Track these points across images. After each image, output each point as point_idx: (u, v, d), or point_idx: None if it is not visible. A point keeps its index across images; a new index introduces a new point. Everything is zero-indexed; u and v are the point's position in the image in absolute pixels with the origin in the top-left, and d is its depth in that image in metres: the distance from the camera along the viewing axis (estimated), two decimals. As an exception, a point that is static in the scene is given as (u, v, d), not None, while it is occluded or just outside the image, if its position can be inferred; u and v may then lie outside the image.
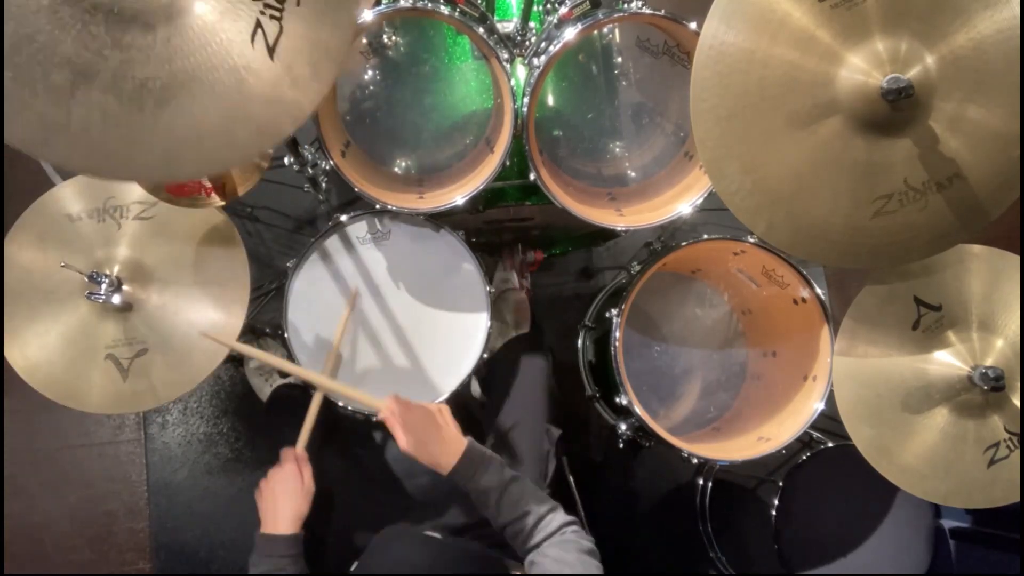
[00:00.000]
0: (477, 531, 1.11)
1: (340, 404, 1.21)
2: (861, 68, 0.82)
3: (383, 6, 1.06)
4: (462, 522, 1.13)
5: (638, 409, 1.23)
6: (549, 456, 1.24)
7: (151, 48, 0.73)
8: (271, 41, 0.77)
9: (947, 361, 1.04)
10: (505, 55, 1.08)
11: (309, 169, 1.36)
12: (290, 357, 1.22)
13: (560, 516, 0.94)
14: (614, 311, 1.26)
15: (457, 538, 1.12)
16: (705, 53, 0.85)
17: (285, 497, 1.00)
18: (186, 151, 0.77)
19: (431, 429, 0.98)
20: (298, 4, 0.77)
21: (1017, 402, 1.04)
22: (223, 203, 1.07)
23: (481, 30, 1.06)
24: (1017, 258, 1.07)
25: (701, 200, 1.20)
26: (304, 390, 1.55)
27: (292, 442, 1.09)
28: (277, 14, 0.77)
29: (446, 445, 0.96)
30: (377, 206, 1.16)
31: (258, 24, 0.76)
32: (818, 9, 0.82)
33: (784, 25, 0.82)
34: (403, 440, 0.96)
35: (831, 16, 0.82)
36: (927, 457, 1.04)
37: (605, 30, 1.32)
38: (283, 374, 1.54)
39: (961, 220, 0.91)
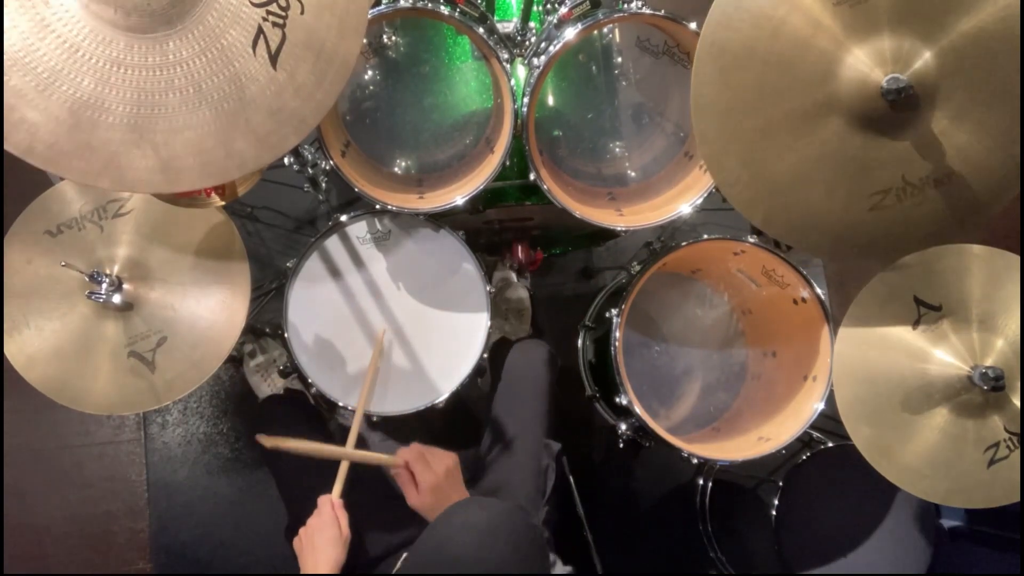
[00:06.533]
0: None
1: (341, 404, 1.21)
2: (861, 68, 0.82)
3: (383, 6, 1.06)
4: None
5: (638, 409, 1.23)
6: (548, 471, 1.21)
7: (149, 51, 0.72)
8: (273, 49, 0.75)
9: (947, 361, 1.04)
10: (505, 55, 1.08)
11: (309, 169, 1.36)
12: (290, 357, 1.22)
13: None
14: (614, 311, 1.26)
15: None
16: (706, 48, 0.85)
17: (324, 545, 0.98)
18: (184, 160, 0.75)
19: (448, 488, 0.95)
20: (302, 12, 0.75)
21: (1017, 402, 1.04)
22: (223, 203, 1.07)
23: (481, 30, 1.06)
24: (1017, 258, 1.06)
25: (701, 200, 1.20)
26: (302, 394, 1.55)
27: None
28: (280, 21, 0.75)
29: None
30: (377, 206, 1.16)
31: (260, 31, 0.74)
32: (820, 7, 0.82)
33: (785, 23, 0.82)
34: (415, 498, 0.95)
35: (833, 14, 0.82)
36: (927, 457, 1.04)
37: (605, 30, 1.32)
38: (283, 375, 1.54)
39: (958, 216, 0.91)
